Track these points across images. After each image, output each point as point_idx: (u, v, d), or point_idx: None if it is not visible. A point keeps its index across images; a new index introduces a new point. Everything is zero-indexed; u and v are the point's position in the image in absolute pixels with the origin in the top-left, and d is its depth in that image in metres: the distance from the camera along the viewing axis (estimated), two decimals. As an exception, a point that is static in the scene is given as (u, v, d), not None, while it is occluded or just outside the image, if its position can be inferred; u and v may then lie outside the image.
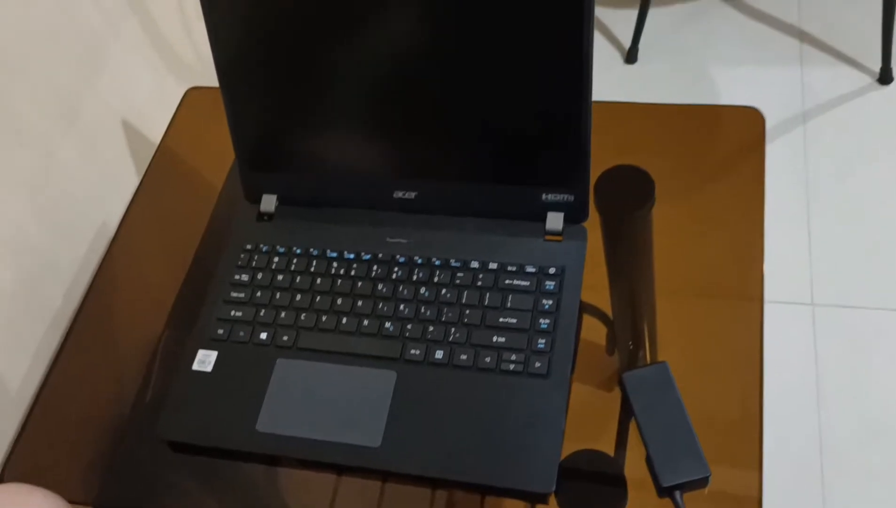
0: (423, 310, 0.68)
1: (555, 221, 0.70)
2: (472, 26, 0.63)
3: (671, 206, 0.74)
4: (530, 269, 0.68)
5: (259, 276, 0.72)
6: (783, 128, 1.41)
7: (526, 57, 0.64)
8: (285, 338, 0.69)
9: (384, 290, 0.69)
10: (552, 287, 0.67)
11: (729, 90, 1.47)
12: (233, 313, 0.71)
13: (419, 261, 0.70)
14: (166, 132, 0.90)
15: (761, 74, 1.47)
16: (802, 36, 1.51)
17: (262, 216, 0.76)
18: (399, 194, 0.73)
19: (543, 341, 0.65)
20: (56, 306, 0.89)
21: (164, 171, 0.88)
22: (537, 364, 0.64)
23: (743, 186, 0.74)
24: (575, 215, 0.70)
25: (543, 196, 0.70)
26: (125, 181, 1.00)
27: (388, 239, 0.72)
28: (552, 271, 0.68)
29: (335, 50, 0.67)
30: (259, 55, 0.69)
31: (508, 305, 0.67)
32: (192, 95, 0.91)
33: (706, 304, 0.68)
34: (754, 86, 1.46)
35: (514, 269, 0.68)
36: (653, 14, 1.58)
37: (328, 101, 0.70)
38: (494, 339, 0.65)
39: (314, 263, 0.72)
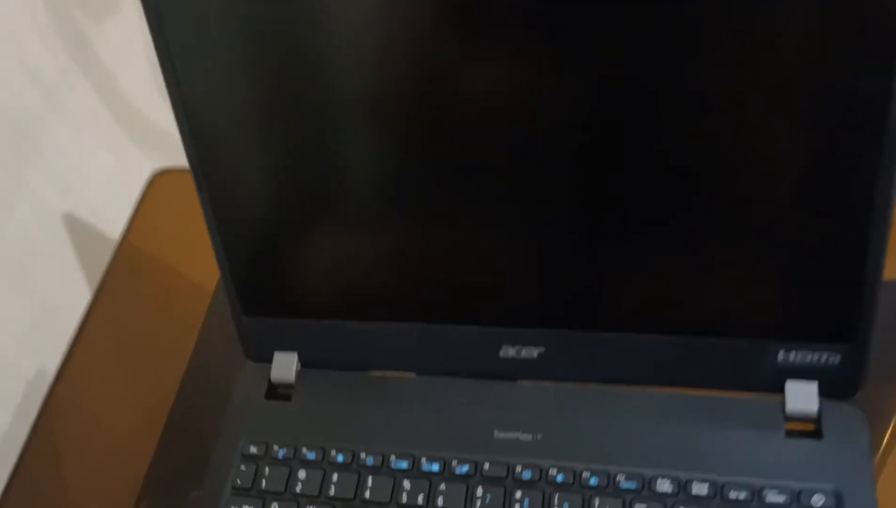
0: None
1: (802, 397, 0.39)
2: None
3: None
4: (774, 497, 0.37)
5: (273, 511, 0.41)
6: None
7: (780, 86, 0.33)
8: None
9: (501, 538, 0.38)
10: (826, 537, 0.36)
11: None
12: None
13: (559, 478, 0.39)
14: (123, 238, 0.59)
15: None
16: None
17: (274, 390, 0.45)
18: (510, 352, 0.42)
19: None
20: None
21: (121, 287, 0.58)
22: None
23: None
24: (837, 387, 0.39)
25: (780, 355, 0.39)
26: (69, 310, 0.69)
27: (496, 433, 0.41)
28: (819, 500, 0.36)
29: (392, 105, 0.37)
30: (245, 141, 0.39)
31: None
32: (161, 181, 0.61)
33: None
34: None
35: (741, 496, 0.37)
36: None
37: (383, 189, 0.39)
38: None
39: (369, 481, 0.41)
